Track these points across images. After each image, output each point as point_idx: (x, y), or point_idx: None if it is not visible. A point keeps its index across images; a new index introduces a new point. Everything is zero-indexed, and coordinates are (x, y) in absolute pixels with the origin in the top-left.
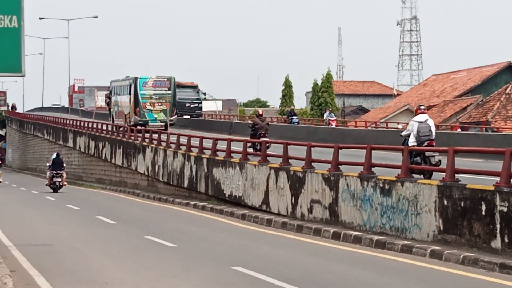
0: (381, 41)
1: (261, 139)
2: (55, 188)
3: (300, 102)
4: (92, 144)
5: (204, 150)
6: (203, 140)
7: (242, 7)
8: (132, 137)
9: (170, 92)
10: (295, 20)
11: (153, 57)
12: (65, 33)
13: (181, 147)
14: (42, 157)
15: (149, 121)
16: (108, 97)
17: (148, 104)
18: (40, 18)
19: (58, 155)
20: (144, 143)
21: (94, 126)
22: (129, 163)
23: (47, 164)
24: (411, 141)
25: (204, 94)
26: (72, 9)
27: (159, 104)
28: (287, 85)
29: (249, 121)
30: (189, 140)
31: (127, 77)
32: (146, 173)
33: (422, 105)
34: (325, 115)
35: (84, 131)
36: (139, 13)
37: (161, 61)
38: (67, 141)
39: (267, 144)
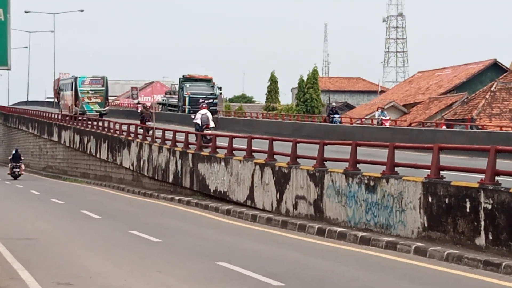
0: (367, 38)
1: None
2: (15, 176)
3: (286, 98)
4: (77, 138)
5: (189, 145)
6: (189, 135)
7: (228, 3)
8: (118, 132)
9: (103, 88)
10: (281, 16)
11: (137, 50)
12: (50, 27)
13: (166, 142)
14: (27, 151)
15: (87, 111)
16: (58, 92)
17: (86, 98)
18: (26, 12)
19: (16, 150)
20: (130, 138)
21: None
22: (114, 158)
23: (9, 158)
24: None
25: (220, 88)
26: (57, 2)
27: (95, 98)
28: (273, 81)
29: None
30: (175, 135)
31: (72, 76)
32: (131, 168)
33: (203, 102)
34: (376, 113)
35: (69, 125)
36: (125, 7)
37: (146, 54)
38: (52, 135)
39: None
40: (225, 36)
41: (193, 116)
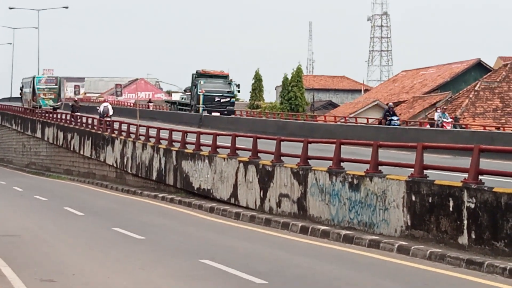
0: (351, 37)
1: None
2: None
3: (270, 96)
4: (61, 135)
5: (173, 143)
6: (173, 132)
7: (213, 1)
8: (101, 129)
9: (56, 86)
10: (266, 14)
11: (122, 47)
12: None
13: (150, 139)
14: (10, 148)
15: (42, 105)
16: (21, 89)
17: (42, 94)
18: (10, 8)
19: None
20: (113, 135)
21: (63, 117)
22: (97, 155)
23: None
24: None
25: (238, 86)
26: None
27: (49, 94)
28: (257, 79)
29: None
30: (159, 132)
31: (31, 76)
32: (115, 165)
33: (105, 99)
34: (436, 115)
35: (52, 122)
36: (110, 4)
37: (130, 52)
38: (35, 132)
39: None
40: (209, 34)
41: (97, 107)
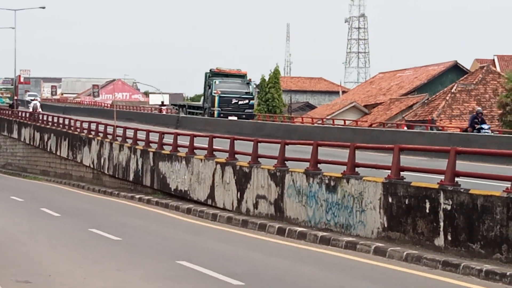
0: (329, 38)
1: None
2: None
3: None
4: (37, 135)
5: (150, 144)
6: (150, 133)
7: (191, 2)
8: (78, 130)
9: (12, 87)
10: (243, 15)
11: (99, 48)
12: (11, 23)
13: (127, 140)
14: None
15: (0, 103)
16: None
17: None
18: None
19: None
20: (90, 136)
21: (40, 117)
22: (74, 156)
23: None
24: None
25: (257, 87)
26: None
27: (6, 93)
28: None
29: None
30: (136, 133)
31: None
32: (92, 166)
33: (34, 99)
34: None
35: (29, 122)
36: (87, 4)
37: (107, 52)
38: (11, 133)
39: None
40: (187, 34)
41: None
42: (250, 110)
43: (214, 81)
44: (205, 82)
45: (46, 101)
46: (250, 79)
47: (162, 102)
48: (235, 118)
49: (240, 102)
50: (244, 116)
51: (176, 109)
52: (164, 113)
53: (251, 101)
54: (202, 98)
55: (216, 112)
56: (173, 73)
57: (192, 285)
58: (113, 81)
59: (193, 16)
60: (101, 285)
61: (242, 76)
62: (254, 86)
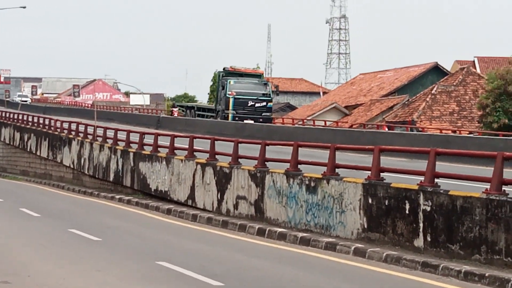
0: (310, 39)
1: None
2: None
3: None
4: (17, 135)
5: (130, 144)
6: (130, 134)
7: (172, 2)
8: (58, 130)
9: None
10: (225, 16)
11: (80, 48)
12: None
13: (107, 140)
14: None
15: None
16: None
17: None
18: None
19: None
20: (70, 136)
21: (20, 117)
22: (54, 156)
23: None
24: None
25: (277, 88)
26: None
27: None
28: (216, 80)
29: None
30: (116, 133)
31: None
32: (72, 166)
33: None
34: None
35: (9, 122)
36: (67, 5)
37: (88, 52)
38: None
39: None
40: (168, 35)
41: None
42: (268, 114)
43: (228, 81)
44: (217, 82)
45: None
46: (268, 79)
47: (174, 104)
48: (252, 122)
49: (257, 105)
50: (261, 120)
51: (183, 111)
52: (176, 115)
53: (269, 104)
54: (216, 99)
55: (230, 115)
56: (154, 74)
57: (171, 285)
58: (93, 81)
59: (174, 16)
60: (81, 286)
61: (259, 75)
62: (275, 87)
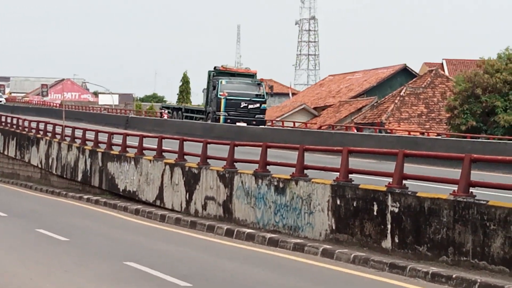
0: (279, 40)
1: None
2: None
3: (198, 98)
4: None
5: (99, 144)
6: (99, 133)
7: (142, 2)
8: (26, 129)
9: None
10: (194, 17)
11: (48, 47)
12: None
13: (76, 140)
14: None
15: None
16: None
17: None
18: None
19: None
20: (38, 135)
21: None
22: (22, 155)
23: None
24: None
25: (271, 88)
26: None
27: None
28: (185, 81)
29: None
30: (84, 133)
31: None
32: (40, 166)
33: None
34: None
35: None
36: (34, 3)
37: (57, 52)
38: None
39: None
40: (137, 35)
41: None
42: (262, 116)
43: (219, 81)
44: (208, 82)
45: None
46: (262, 80)
47: (163, 106)
48: (244, 124)
49: (250, 106)
50: (254, 122)
51: (169, 112)
52: (166, 117)
53: (263, 105)
54: (206, 100)
55: (222, 118)
56: (123, 74)
57: (139, 286)
58: (62, 81)
59: (143, 16)
60: (48, 286)
61: (251, 75)
62: (268, 87)
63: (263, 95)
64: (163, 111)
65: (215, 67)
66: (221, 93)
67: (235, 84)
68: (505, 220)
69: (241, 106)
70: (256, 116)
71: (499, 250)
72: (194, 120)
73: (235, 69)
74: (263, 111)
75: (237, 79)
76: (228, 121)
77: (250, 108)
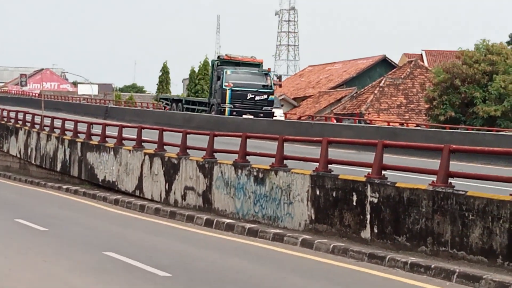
0: (259, 31)
1: None
2: None
3: (177, 88)
4: None
5: (78, 134)
6: (78, 123)
7: None
8: (5, 119)
9: None
10: (174, 7)
11: (27, 36)
12: None
13: (55, 130)
14: None
15: None
16: None
17: None
18: None
19: None
20: (17, 125)
21: None
22: (0, 145)
23: None
24: None
25: (279, 78)
26: None
27: None
28: (165, 71)
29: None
30: (64, 123)
31: None
32: (18, 156)
33: None
34: None
35: None
36: None
37: (36, 41)
38: None
39: None
40: (117, 24)
41: None
42: (269, 108)
43: (224, 70)
44: (211, 73)
45: None
46: (269, 69)
47: (160, 98)
48: (251, 117)
49: (257, 98)
50: (261, 115)
51: (167, 104)
52: (163, 109)
53: (271, 97)
54: (210, 91)
55: (227, 110)
56: (102, 64)
57: (119, 276)
58: (41, 71)
59: (122, 6)
60: (27, 277)
61: (257, 65)
62: (276, 77)
63: (271, 86)
64: (160, 103)
65: (218, 56)
66: (226, 84)
67: (241, 74)
68: (484, 211)
69: (248, 98)
70: (263, 108)
71: (478, 240)
72: (195, 113)
73: (240, 58)
74: (270, 103)
75: (242, 69)
76: (234, 113)
77: (257, 100)
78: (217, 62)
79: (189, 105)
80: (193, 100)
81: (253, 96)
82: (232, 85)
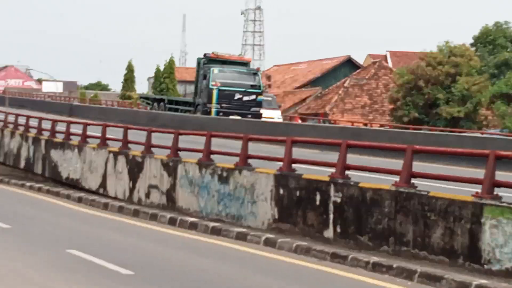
0: (225, 30)
1: None
2: None
3: (142, 87)
4: None
5: (42, 132)
6: (42, 121)
7: None
8: None
9: None
10: (140, 5)
11: None
12: None
13: (19, 127)
14: None
15: None
16: None
17: None
18: None
19: None
20: None
21: None
22: None
23: None
24: None
25: (269, 78)
26: None
27: None
28: (130, 69)
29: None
30: (28, 120)
31: None
32: None
33: None
34: None
35: None
36: None
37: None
38: None
39: None
40: (82, 22)
41: None
42: (257, 109)
43: (211, 69)
44: (197, 71)
45: None
46: (258, 68)
47: (141, 97)
48: (239, 117)
49: (245, 98)
50: (249, 116)
51: (148, 103)
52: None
53: (259, 97)
54: (195, 90)
55: (214, 110)
56: (67, 61)
57: (81, 274)
58: (5, 68)
59: (88, 3)
60: None
61: (245, 63)
62: (266, 77)
63: (259, 86)
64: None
65: (205, 54)
66: (213, 83)
67: (228, 73)
68: (446, 211)
69: (235, 98)
70: (251, 109)
71: (439, 240)
72: (179, 113)
73: (228, 56)
74: (259, 104)
75: (230, 67)
76: (221, 114)
77: (245, 100)
78: (203, 60)
79: (172, 105)
80: (176, 100)
81: (241, 96)
82: (219, 84)
